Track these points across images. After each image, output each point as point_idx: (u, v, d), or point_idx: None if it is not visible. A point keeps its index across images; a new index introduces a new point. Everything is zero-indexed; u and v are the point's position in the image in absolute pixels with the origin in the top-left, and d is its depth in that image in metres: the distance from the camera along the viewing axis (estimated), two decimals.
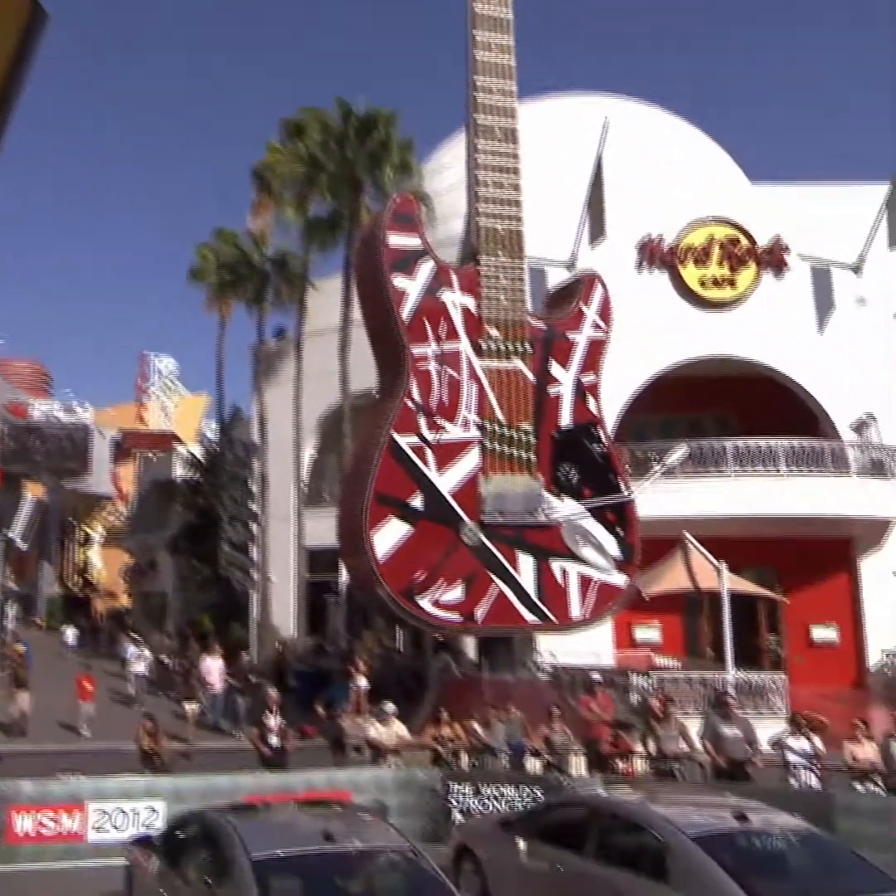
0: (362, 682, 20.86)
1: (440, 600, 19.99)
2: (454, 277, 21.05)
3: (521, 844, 10.29)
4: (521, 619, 20.69)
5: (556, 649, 24.58)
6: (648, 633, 29.41)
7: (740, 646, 25.07)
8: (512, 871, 10.42)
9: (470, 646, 24.89)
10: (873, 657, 30.04)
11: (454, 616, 20.19)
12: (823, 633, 30.45)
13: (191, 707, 25.07)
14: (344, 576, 31.07)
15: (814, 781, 14.65)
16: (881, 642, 29.76)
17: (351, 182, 33.71)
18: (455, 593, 20.11)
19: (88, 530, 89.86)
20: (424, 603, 19.87)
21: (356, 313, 27.47)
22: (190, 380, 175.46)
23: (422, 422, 20.47)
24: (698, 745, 15.51)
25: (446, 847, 12.40)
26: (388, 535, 19.70)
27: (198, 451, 49.37)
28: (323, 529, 28.59)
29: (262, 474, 38.40)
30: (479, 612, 20.30)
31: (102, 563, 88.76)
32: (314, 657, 31.50)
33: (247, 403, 41.69)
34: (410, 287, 20.55)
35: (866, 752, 14.39)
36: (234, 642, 33.30)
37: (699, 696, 23.38)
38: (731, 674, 23.78)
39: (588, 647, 24.89)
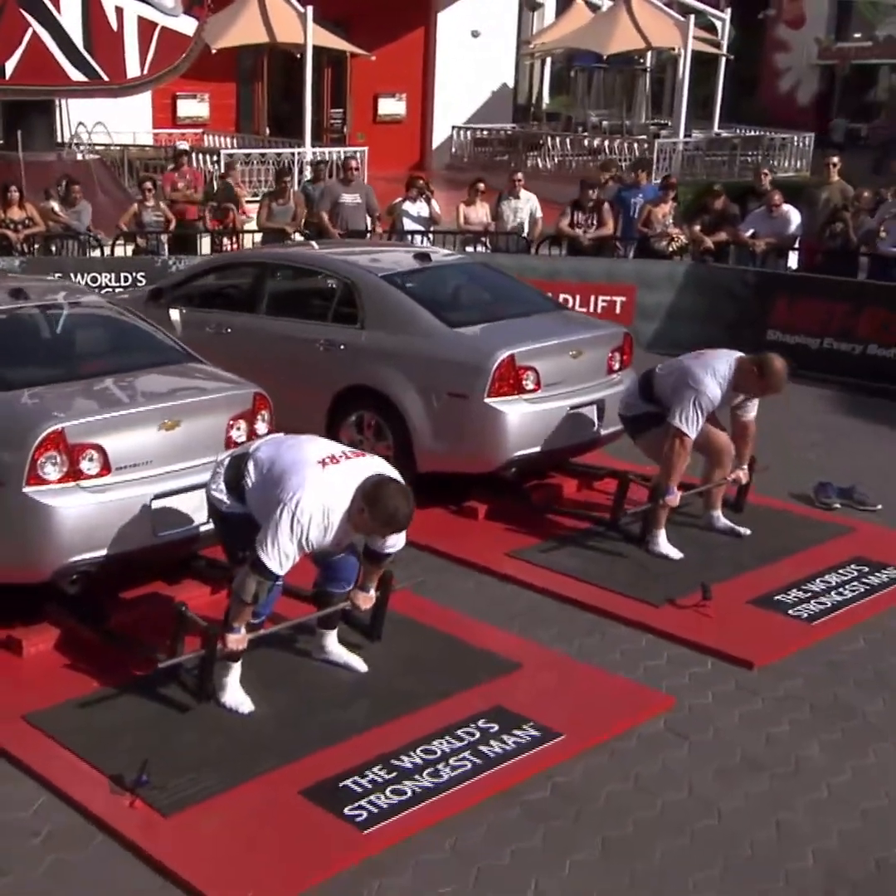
0: None
1: None
2: None
3: (176, 315, 8.96)
4: (64, 76, 16.37)
5: (86, 124, 19.96)
6: (195, 107, 24.57)
7: (301, 122, 21.78)
8: None
9: None
10: (441, 134, 27.53)
11: None
12: (390, 106, 27.19)
13: None
14: None
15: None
16: (450, 118, 27.14)
17: None
18: None
19: None
20: None
21: None
22: None
23: None
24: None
25: None
26: None
27: None
28: None
29: None
30: (10, 66, 15.83)
31: None
32: None
33: None
34: None
35: (479, 214, 14.00)
36: None
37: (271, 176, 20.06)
38: (311, 150, 20.54)
39: (124, 124, 20.73)
